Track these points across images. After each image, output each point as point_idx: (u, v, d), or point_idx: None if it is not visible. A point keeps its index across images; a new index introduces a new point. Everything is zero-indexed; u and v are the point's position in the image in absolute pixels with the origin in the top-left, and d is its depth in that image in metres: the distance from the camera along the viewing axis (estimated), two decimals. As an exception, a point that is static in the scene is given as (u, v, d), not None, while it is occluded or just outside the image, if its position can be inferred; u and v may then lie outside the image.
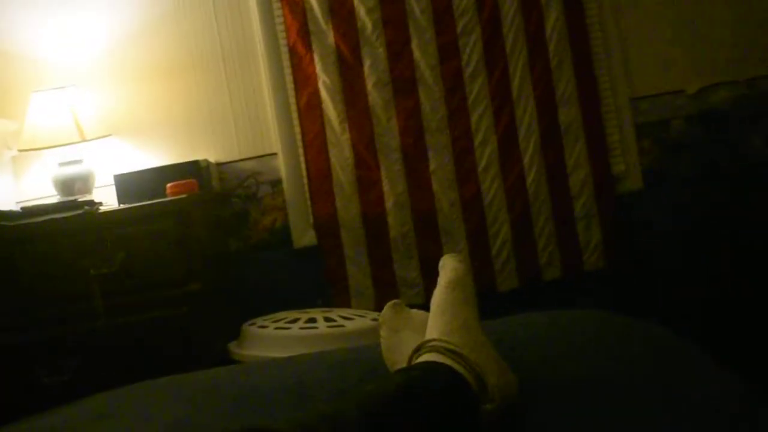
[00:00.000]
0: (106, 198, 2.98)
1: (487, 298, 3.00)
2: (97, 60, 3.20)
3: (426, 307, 1.42)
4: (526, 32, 3.15)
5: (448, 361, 1.19)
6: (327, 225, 3.17)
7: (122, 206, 2.81)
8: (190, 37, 3.23)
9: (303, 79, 3.16)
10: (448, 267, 1.42)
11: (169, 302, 2.54)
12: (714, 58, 3.22)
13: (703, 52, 3.21)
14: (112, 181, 2.96)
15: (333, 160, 3.15)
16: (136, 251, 2.56)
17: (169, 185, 2.75)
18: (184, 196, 2.69)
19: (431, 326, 1.32)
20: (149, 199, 2.75)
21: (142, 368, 1.98)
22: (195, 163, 2.94)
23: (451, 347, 1.21)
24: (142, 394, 1.69)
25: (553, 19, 3.13)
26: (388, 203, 3.14)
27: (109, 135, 3.10)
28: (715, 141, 3.23)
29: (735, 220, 3.21)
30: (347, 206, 3.15)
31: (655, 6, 3.22)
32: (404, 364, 1.30)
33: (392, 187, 3.14)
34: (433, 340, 1.25)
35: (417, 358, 1.26)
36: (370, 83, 3.14)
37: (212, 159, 3.19)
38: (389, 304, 1.46)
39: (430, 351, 1.24)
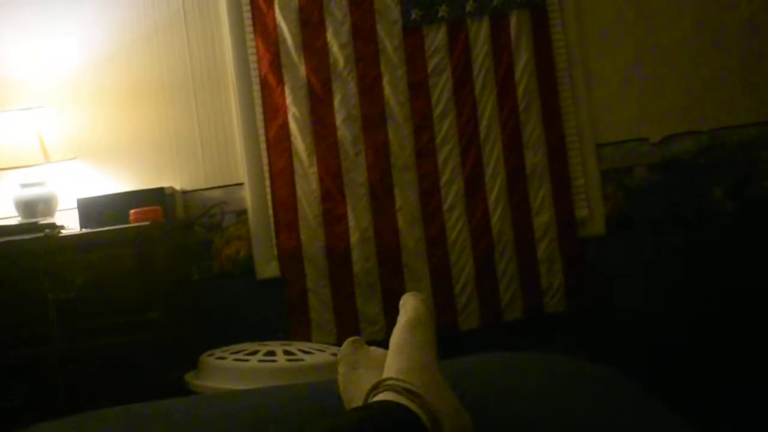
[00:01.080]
0: (69, 222, 2.94)
1: (448, 337, 3.03)
2: (66, 81, 3.18)
3: (387, 343, 1.41)
4: (495, 75, 3.19)
5: (404, 401, 1.18)
6: (291, 257, 3.16)
7: (84, 231, 2.78)
8: (162, 62, 3.22)
9: (273, 111, 3.17)
10: (409, 305, 1.41)
11: (126, 329, 2.51)
12: (678, 108, 3.29)
13: (667, 102, 3.28)
14: (75, 205, 2.92)
15: (299, 192, 3.15)
16: (96, 277, 2.53)
17: (132, 211, 2.72)
18: (147, 223, 2.67)
19: (389, 365, 1.31)
20: (112, 225, 2.72)
21: (95, 396, 1.94)
22: (160, 190, 2.92)
23: (408, 387, 1.21)
24: (90, 423, 1.65)
25: (523, 63, 3.18)
26: (353, 238, 3.14)
27: (75, 158, 3.07)
28: (676, 189, 3.29)
29: (695, 266, 3.26)
30: (312, 239, 3.15)
31: (622, 56, 3.29)
32: (361, 402, 1.29)
33: (357, 222, 3.14)
34: (390, 379, 1.24)
35: (373, 397, 1.25)
36: (339, 118, 3.15)
37: (178, 186, 3.17)
38: (348, 340, 1.45)
39: (386, 390, 1.23)
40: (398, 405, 1.18)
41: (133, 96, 3.22)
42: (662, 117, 3.29)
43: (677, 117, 3.29)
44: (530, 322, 3.20)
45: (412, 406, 1.17)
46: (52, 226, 2.72)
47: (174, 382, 2.66)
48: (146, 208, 2.73)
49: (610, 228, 3.28)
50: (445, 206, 3.17)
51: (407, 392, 1.20)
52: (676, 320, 3.22)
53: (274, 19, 3.15)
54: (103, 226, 2.73)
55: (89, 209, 2.88)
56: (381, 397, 1.22)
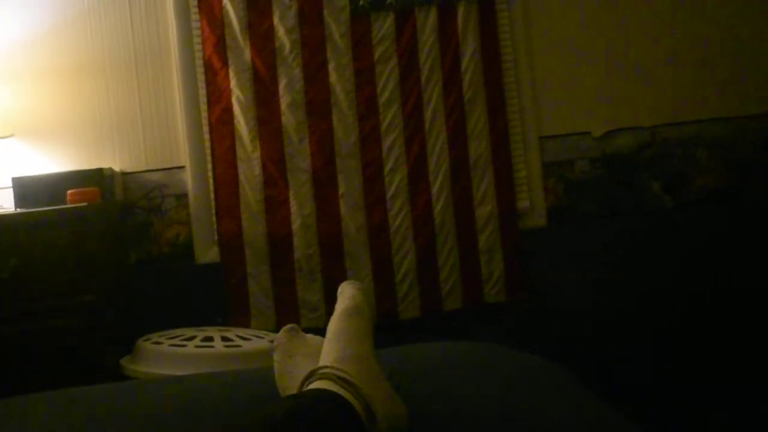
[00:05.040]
0: (3, 201, 2.87)
1: (389, 326, 3.04)
2: (2, 57, 3.09)
3: (326, 331, 1.41)
4: (442, 65, 3.20)
5: (338, 390, 1.18)
6: (231, 242, 3.13)
7: (19, 210, 2.71)
8: (103, 40, 3.16)
9: (216, 93, 3.13)
10: (346, 294, 1.41)
11: (61, 312, 2.46)
12: (620, 104, 3.33)
13: (609, 98, 3.33)
14: (10, 184, 2.85)
15: (241, 177, 3.12)
16: (30, 258, 2.48)
17: (69, 192, 2.67)
18: (84, 204, 2.61)
19: (325, 353, 1.31)
20: (48, 205, 2.66)
21: (28, 380, 1.90)
22: (98, 171, 2.86)
23: (343, 375, 1.21)
24: (22, 408, 1.62)
25: (469, 54, 3.20)
26: (295, 224, 3.13)
27: (11, 135, 3.00)
28: (616, 183, 3.34)
29: (632, 259, 3.32)
30: (253, 225, 3.12)
31: (568, 51, 3.32)
32: (296, 390, 1.29)
33: (300, 209, 3.13)
34: (326, 367, 1.24)
35: (308, 385, 1.24)
36: (284, 103, 3.13)
37: (117, 168, 3.12)
38: (285, 328, 1.45)
39: (321, 378, 1.23)
40: (332, 393, 1.18)
41: (73, 74, 3.14)
42: (604, 112, 3.34)
43: (619, 113, 3.34)
44: (470, 312, 3.22)
45: (346, 395, 1.18)
46: (-15, 205, 2.66)
47: (110, 366, 2.63)
48: (83, 189, 2.68)
49: (550, 220, 3.32)
50: (389, 194, 3.18)
51: (341, 381, 1.20)
52: (613, 311, 3.28)
53: (220, 1, 3.11)
54: (40, 207, 2.67)
55: (25, 189, 2.81)
56: (315, 385, 1.22)
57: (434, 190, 3.19)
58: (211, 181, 3.17)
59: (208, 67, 3.13)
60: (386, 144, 3.17)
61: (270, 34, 3.13)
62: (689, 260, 3.30)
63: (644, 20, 3.34)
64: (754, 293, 3.25)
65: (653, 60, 3.34)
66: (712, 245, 3.31)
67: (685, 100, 3.35)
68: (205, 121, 3.17)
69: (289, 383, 1.36)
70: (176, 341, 2.62)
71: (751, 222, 3.31)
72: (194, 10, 3.16)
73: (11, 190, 2.84)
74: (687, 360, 3.23)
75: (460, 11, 3.19)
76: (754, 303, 3.25)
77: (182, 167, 3.19)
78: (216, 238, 3.17)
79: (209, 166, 3.17)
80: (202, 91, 3.17)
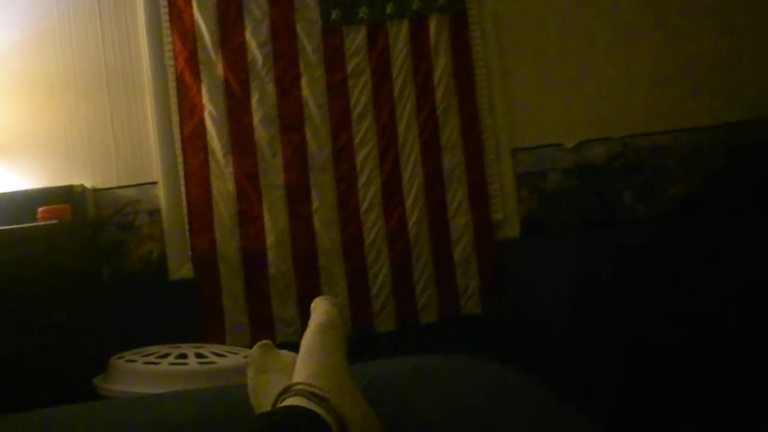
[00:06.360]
0: (-29, 219, 2.83)
1: (364, 340, 3.03)
2: (-29, 74, 3.06)
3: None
4: (414, 78, 3.20)
5: (311, 406, 1.18)
6: (205, 258, 3.11)
7: (-12, 228, 2.67)
8: (74, 55, 3.13)
9: (189, 108, 3.11)
10: (320, 310, 1.41)
11: (32, 331, 2.42)
12: (591, 115, 3.36)
13: (581, 109, 3.35)
14: (-21, 202, 2.82)
15: (215, 192, 3.11)
16: (1, 277, 2.44)
17: (40, 210, 2.64)
18: (55, 221, 2.59)
19: (299, 369, 1.30)
20: (18, 223, 2.63)
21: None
22: (69, 187, 2.84)
23: (317, 392, 1.20)
24: (-9, 430, 1.60)
25: (442, 67, 3.20)
26: (269, 239, 3.11)
27: (-21, 153, 2.96)
28: (589, 194, 3.36)
29: (606, 269, 3.33)
30: (227, 240, 3.11)
31: (540, 63, 3.34)
32: (269, 407, 1.28)
33: (274, 224, 3.11)
34: (299, 384, 1.24)
35: (282, 402, 1.24)
36: (257, 117, 3.12)
37: (89, 184, 3.09)
38: (258, 344, 1.44)
39: (295, 395, 1.22)
40: (305, 410, 1.17)
41: (43, 89, 3.11)
42: (576, 123, 3.36)
43: (591, 124, 3.36)
44: (446, 325, 3.22)
45: (320, 411, 1.17)
46: (-47, 223, 2.62)
47: (82, 385, 2.59)
48: (54, 207, 2.65)
49: (523, 231, 3.33)
50: (363, 208, 3.17)
51: (315, 397, 1.19)
52: (587, 322, 3.29)
53: (191, 15, 3.10)
54: (9, 225, 2.63)
55: (-7, 207, 2.78)
56: (289, 401, 1.21)
57: (408, 202, 3.19)
58: (184, 196, 3.15)
59: (180, 82, 3.11)
60: (360, 157, 3.17)
61: (242, 48, 3.12)
62: (663, 269, 3.32)
63: (613, 34, 3.36)
64: (728, 299, 3.27)
65: (623, 72, 3.36)
66: (685, 254, 3.33)
67: (656, 110, 3.38)
68: (177, 137, 3.15)
69: (263, 400, 1.35)
70: (150, 359, 2.59)
71: (723, 230, 3.34)
72: (166, 24, 3.15)
73: (-20, 208, 2.81)
74: (665, 370, 3.24)
75: (432, 24, 3.20)
76: (729, 309, 3.27)
77: (155, 183, 3.16)
78: (189, 254, 3.14)
79: (182, 181, 3.15)
80: (175, 107, 3.15)
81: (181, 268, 3.16)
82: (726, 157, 3.38)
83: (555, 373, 2.11)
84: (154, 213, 3.16)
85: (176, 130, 3.15)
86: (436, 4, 3.19)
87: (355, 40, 3.17)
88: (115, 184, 3.15)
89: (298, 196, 3.13)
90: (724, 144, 3.38)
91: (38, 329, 2.43)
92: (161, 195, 3.15)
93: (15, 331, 2.42)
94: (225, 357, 2.64)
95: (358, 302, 3.14)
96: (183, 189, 3.15)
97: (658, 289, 3.31)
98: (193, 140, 3.11)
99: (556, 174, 3.35)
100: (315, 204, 3.15)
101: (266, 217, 3.11)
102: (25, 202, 2.74)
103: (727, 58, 3.38)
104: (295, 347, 1.45)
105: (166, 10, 3.13)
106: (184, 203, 3.15)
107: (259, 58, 3.11)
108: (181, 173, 3.15)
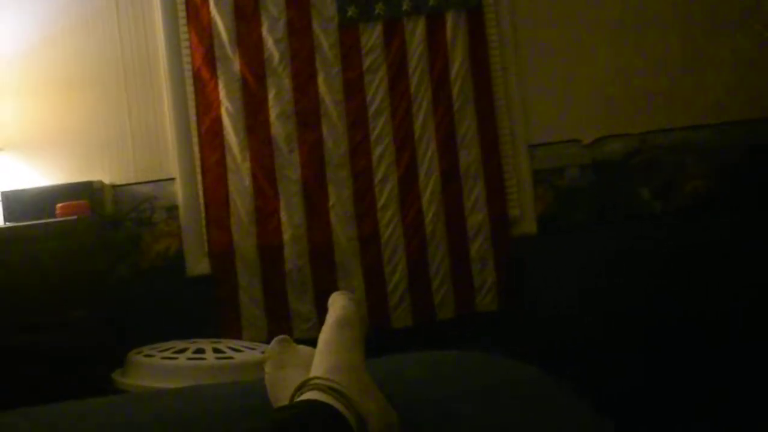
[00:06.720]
0: (-8, 215, 2.86)
1: (380, 335, 3.03)
2: (-9, 71, 3.09)
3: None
4: (431, 74, 3.20)
5: (330, 400, 1.18)
6: (222, 254, 3.12)
7: (7, 224, 2.70)
8: (92, 53, 3.15)
9: (206, 105, 3.13)
10: (338, 305, 1.41)
11: (51, 327, 2.44)
12: (609, 111, 3.34)
13: (599, 105, 3.34)
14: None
15: (231, 188, 3.12)
16: (20, 272, 2.46)
17: (59, 206, 2.66)
18: (74, 217, 2.60)
19: (316, 364, 1.30)
20: (37, 219, 2.65)
21: (18, 395, 1.89)
22: (88, 183, 2.86)
23: (334, 386, 1.20)
24: (12, 423, 1.61)
25: (458, 63, 3.20)
26: (286, 235, 3.12)
27: (0, 150, 2.98)
28: (606, 190, 3.35)
29: (623, 266, 3.32)
30: (244, 236, 3.12)
31: (556, 59, 3.33)
32: (287, 401, 1.28)
33: (290, 219, 3.12)
34: (317, 378, 1.24)
35: (299, 396, 1.24)
36: (273, 114, 3.13)
37: (107, 180, 3.11)
38: (276, 339, 1.44)
39: (312, 389, 1.22)
40: (323, 404, 1.17)
41: (62, 87, 3.14)
42: (594, 119, 3.35)
43: (608, 120, 3.35)
44: (463, 321, 3.22)
45: (338, 406, 1.17)
46: (-26, 219, 2.65)
47: (101, 380, 2.61)
48: (73, 203, 2.67)
49: (540, 228, 3.32)
50: (379, 204, 3.17)
51: (333, 391, 1.19)
52: (604, 318, 3.28)
53: (208, 12, 3.11)
54: (29, 221, 2.66)
55: (14, 203, 2.81)
56: (306, 396, 1.22)
57: (425, 199, 3.19)
58: (201, 192, 3.16)
59: (197, 78, 3.13)
60: (376, 154, 3.18)
61: (259, 45, 3.13)
62: (679, 266, 3.31)
63: (632, 29, 3.35)
64: (744, 297, 3.26)
65: (641, 68, 3.35)
66: (702, 250, 3.31)
67: (674, 106, 3.37)
68: (194, 133, 3.16)
69: (280, 394, 1.35)
70: (168, 354, 2.61)
71: (740, 227, 3.32)
72: (183, 21, 3.16)
73: (0, 204, 2.83)
74: (679, 367, 3.23)
75: (449, 20, 3.20)
76: (745, 307, 3.25)
77: (172, 179, 3.18)
78: (206, 250, 3.16)
79: (199, 177, 3.17)
80: (192, 103, 3.16)
81: (198, 264, 3.17)
82: (744, 154, 3.36)
83: (571, 369, 2.10)
84: (172, 209, 3.18)
85: (193, 127, 3.17)
86: (452, 0, 3.19)
87: (372, 36, 3.17)
88: (133, 181, 3.17)
89: (314, 192, 3.14)
90: (743, 141, 3.36)
91: (57, 325, 2.44)
92: (178, 191, 3.17)
93: (34, 327, 2.44)
94: (242, 352, 2.65)
95: (374, 298, 3.14)
96: (200, 185, 3.16)
97: (675, 285, 3.30)
98: (210, 137, 3.12)
99: (573, 170, 3.34)
100: (332, 200, 3.15)
101: (283, 213, 3.12)
102: (44, 198, 2.76)
103: (747, 55, 3.36)
104: (311, 342, 1.45)
105: (183, 7, 3.15)
106: (201, 199, 3.16)
107: (276, 55, 3.12)
108: (199, 169, 3.16)
